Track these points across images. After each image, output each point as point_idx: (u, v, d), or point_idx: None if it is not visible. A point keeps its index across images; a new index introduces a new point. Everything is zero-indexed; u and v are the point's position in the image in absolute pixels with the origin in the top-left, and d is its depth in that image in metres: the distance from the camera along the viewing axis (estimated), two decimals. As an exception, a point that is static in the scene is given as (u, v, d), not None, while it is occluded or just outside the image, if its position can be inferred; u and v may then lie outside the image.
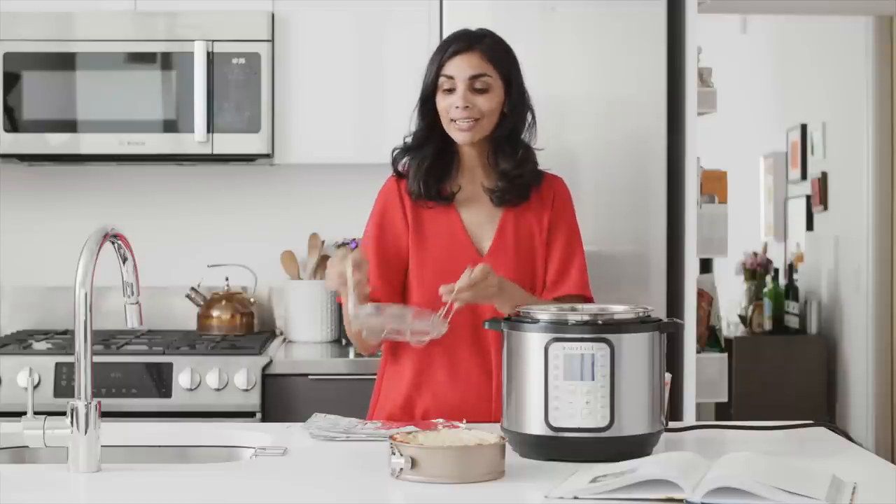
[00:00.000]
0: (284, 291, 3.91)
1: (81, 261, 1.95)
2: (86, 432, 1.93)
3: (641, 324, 2.07)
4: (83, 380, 1.94)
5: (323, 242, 3.91)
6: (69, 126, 3.60)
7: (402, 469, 1.87)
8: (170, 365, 3.35)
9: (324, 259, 3.90)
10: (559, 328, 2.04)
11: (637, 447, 2.04)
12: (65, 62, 3.60)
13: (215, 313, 3.82)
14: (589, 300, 2.53)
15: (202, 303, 3.84)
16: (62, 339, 3.61)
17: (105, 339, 3.59)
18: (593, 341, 2.02)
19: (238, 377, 3.32)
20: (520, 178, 2.52)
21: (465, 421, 2.33)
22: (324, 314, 3.81)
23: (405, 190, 2.54)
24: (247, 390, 3.33)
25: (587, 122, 3.46)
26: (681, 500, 1.73)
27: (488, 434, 1.97)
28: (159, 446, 2.30)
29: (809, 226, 6.67)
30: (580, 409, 2.01)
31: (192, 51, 3.57)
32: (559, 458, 2.02)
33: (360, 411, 2.60)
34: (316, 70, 3.67)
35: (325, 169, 3.87)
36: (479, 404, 2.48)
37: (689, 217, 3.46)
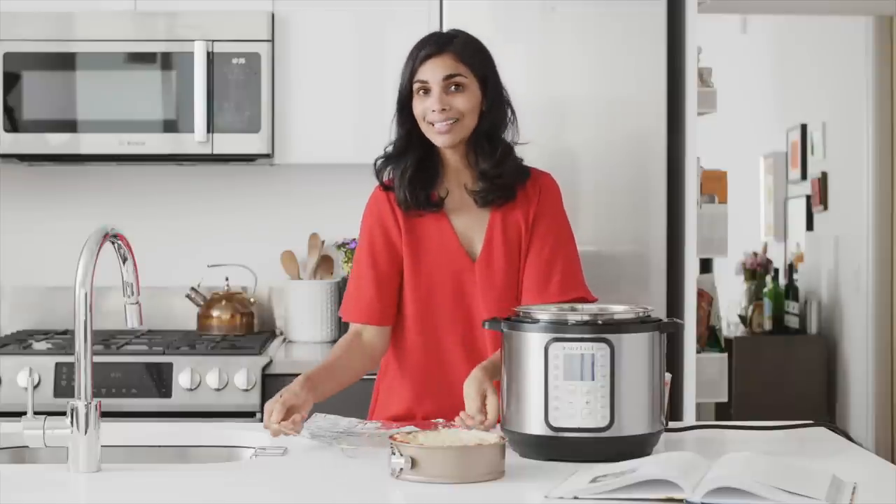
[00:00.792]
0: (284, 291, 3.91)
1: (81, 261, 1.95)
2: (86, 432, 1.93)
3: (641, 324, 2.07)
4: (83, 380, 1.94)
5: (323, 242, 3.91)
6: (69, 126, 3.60)
7: (402, 469, 1.87)
8: (170, 365, 3.35)
9: (324, 259, 3.90)
10: (559, 328, 2.04)
11: (637, 447, 2.04)
12: (65, 62, 3.60)
13: (215, 313, 3.82)
14: (585, 300, 2.49)
15: (202, 303, 3.84)
16: (62, 339, 3.61)
17: (105, 339, 3.59)
18: (593, 341, 2.02)
19: (238, 377, 3.32)
20: (499, 178, 2.48)
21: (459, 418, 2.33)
22: (324, 314, 3.81)
23: (395, 200, 2.52)
24: (247, 390, 3.33)
25: (587, 122, 3.46)
26: (681, 500, 1.73)
27: (488, 434, 1.97)
28: (159, 446, 2.30)
29: (809, 226, 6.67)
30: (580, 409, 2.01)
31: (192, 51, 3.57)
32: (559, 458, 2.02)
33: (360, 411, 2.60)
34: (316, 70, 3.67)
35: (325, 169, 3.87)
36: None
37: (689, 217, 3.46)
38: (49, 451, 2.11)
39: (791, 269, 6.84)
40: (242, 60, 3.60)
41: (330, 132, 3.68)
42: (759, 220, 7.51)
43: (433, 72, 2.44)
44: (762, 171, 7.49)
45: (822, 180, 6.40)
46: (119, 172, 4.00)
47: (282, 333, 3.94)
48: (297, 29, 3.66)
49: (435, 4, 3.54)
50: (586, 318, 2.05)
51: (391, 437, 1.93)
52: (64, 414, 1.95)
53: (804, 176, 6.72)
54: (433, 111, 2.43)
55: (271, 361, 3.40)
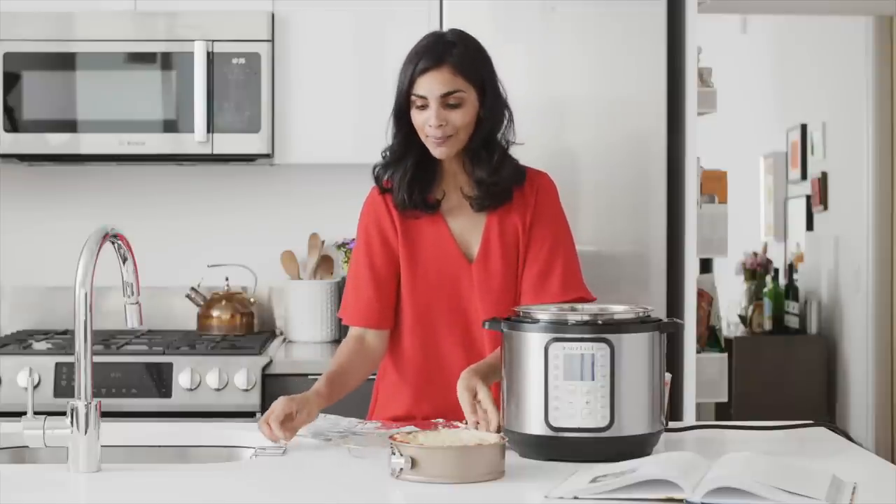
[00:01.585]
0: (284, 291, 3.91)
1: (81, 261, 1.95)
2: (86, 432, 1.93)
3: (641, 324, 2.07)
4: (83, 380, 1.94)
5: (323, 242, 3.91)
6: (69, 126, 3.60)
7: (402, 469, 1.87)
8: (170, 365, 3.35)
9: (324, 259, 3.90)
10: (559, 328, 2.04)
11: (637, 447, 2.04)
12: (65, 62, 3.60)
13: (215, 313, 3.82)
14: (584, 299, 2.49)
15: (202, 303, 3.84)
16: (62, 339, 3.61)
17: (105, 339, 3.59)
18: (593, 341, 2.02)
19: (238, 377, 3.32)
20: (496, 186, 2.48)
21: (465, 421, 2.33)
22: (324, 314, 3.81)
23: (391, 202, 2.52)
24: (247, 390, 3.33)
25: (587, 122, 3.46)
26: (681, 500, 1.73)
27: (488, 434, 1.97)
28: (159, 446, 2.30)
29: (809, 226, 6.67)
30: (580, 409, 2.01)
31: (192, 51, 3.57)
32: (559, 458, 2.03)
33: (361, 411, 2.60)
34: (316, 70, 3.67)
35: (325, 169, 3.87)
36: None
37: (689, 217, 3.46)
38: (49, 451, 2.11)
39: (791, 269, 6.84)
40: (242, 60, 3.60)
41: (330, 132, 3.68)
42: (759, 220, 7.51)
43: (431, 88, 2.42)
44: (762, 171, 7.49)
45: (822, 180, 6.40)
46: (119, 172, 4.00)
47: (282, 333, 3.94)
48: (297, 29, 3.66)
49: (435, 4, 3.54)
50: (586, 318, 2.05)
51: (391, 437, 1.93)
52: (64, 414, 1.95)
53: (804, 176, 6.72)
54: (430, 126, 2.43)
55: (271, 361, 3.40)
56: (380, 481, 1.90)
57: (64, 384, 3.31)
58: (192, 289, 3.86)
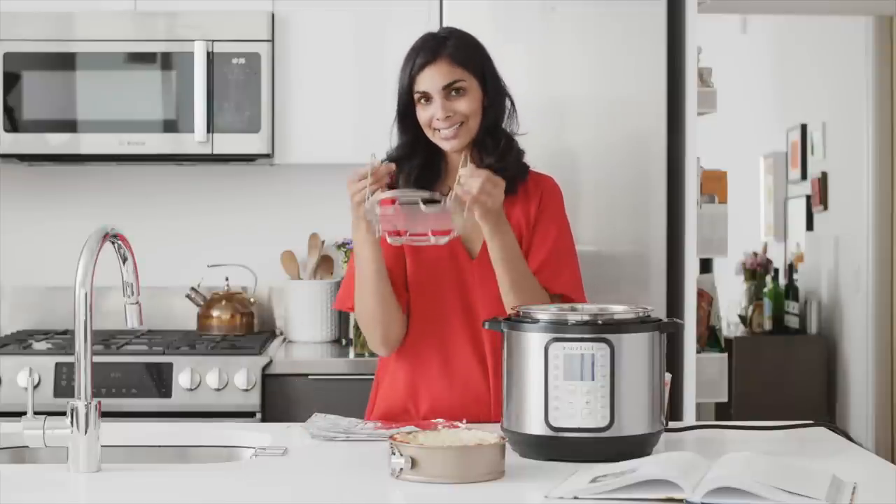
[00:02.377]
0: (284, 291, 3.91)
1: (81, 261, 1.95)
2: (86, 432, 1.93)
3: (641, 324, 2.07)
4: (83, 380, 1.94)
5: (323, 242, 3.91)
6: (69, 126, 3.60)
7: (402, 469, 1.87)
8: (170, 365, 3.35)
9: (324, 259, 3.90)
10: (559, 328, 2.04)
11: (637, 447, 2.04)
12: (65, 62, 3.60)
13: (215, 313, 3.82)
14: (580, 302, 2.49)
15: (202, 303, 3.85)
16: (62, 339, 3.61)
17: (105, 339, 3.59)
18: (593, 341, 2.02)
19: (238, 377, 3.32)
20: (503, 172, 2.48)
21: (465, 421, 2.33)
22: (324, 314, 3.81)
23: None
24: (247, 390, 3.33)
25: (587, 122, 3.46)
26: (681, 500, 1.73)
27: (488, 434, 1.97)
28: (159, 446, 2.30)
29: (809, 226, 6.67)
30: (580, 409, 2.01)
31: (192, 51, 3.57)
32: (559, 458, 2.02)
33: (361, 411, 2.61)
34: (316, 70, 3.67)
35: (325, 169, 3.86)
36: (479, 407, 2.47)
37: (689, 217, 3.46)
38: (49, 451, 2.11)
39: (791, 269, 6.84)
40: (242, 60, 3.60)
41: (330, 132, 3.68)
42: (759, 220, 7.51)
43: (432, 81, 2.44)
44: (762, 171, 7.49)
45: (822, 180, 6.40)
46: (119, 172, 4.00)
47: (282, 333, 3.94)
48: (297, 29, 3.66)
49: (435, 4, 3.54)
50: (586, 318, 2.05)
51: (391, 437, 1.93)
52: (64, 414, 1.95)
53: (804, 176, 6.72)
54: (437, 119, 2.44)
55: (271, 361, 3.40)
56: (380, 481, 1.90)
57: (64, 384, 3.31)
58: (192, 289, 3.86)
